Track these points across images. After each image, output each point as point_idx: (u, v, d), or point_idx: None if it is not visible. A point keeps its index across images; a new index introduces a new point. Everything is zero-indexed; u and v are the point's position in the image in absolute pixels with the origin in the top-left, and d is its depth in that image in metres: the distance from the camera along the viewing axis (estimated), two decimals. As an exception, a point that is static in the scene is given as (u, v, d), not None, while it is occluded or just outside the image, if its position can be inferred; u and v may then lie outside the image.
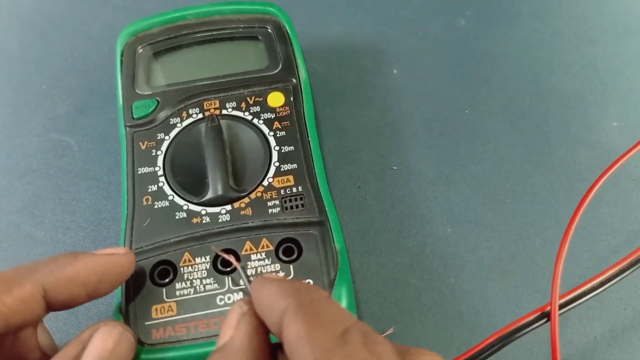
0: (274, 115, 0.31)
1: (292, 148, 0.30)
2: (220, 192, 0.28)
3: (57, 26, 0.42)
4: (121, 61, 0.33)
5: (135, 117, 0.31)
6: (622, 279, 0.26)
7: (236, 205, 0.28)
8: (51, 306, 0.22)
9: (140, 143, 0.30)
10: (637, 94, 0.38)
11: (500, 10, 0.43)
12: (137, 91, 0.32)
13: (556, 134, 0.36)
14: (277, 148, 0.30)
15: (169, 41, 0.34)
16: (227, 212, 0.28)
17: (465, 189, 0.34)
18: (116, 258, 0.23)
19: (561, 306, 0.26)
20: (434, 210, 0.33)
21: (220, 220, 0.27)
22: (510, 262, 0.31)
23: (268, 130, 0.30)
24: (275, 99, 0.31)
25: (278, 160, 0.29)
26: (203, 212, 0.28)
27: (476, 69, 0.39)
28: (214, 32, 0.34)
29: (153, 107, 0.31)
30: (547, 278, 0.31)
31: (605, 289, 0.26)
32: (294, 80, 0.32)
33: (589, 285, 0.26)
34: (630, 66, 0.40)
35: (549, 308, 0.25)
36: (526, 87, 0.38)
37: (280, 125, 0.30)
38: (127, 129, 0.30)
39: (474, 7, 0.43)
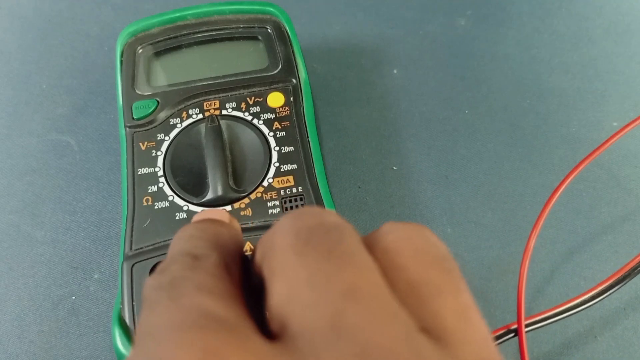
0: (274, 116, 0.31)
1: (292, 148, 0.30)
2: (220, 192, 0.28)
3: (57, 26, 0.42)
4: (121, 61, 0.33)
5: (135, 117, 0.31)
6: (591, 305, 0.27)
7: (236, 205, 0.28)
8: None
9: (140, 143, 0.30)
10: (637, 94, 0.38)
11: (500, 10, 0.43)
12: (137, 91, 0.32)
13: (556, 134, 0.36)
14: (277, 148, 0.30)
15: (169, 41, 0.34)
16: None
17: (465, 189, 0.34)
18: None
19: (526, 326, 0.26)
20: (434, 210, 0.33)
21: (220, 221, 0.27)
22: (511, 262, 0.31)
23: (268, 131, 0.30)
24: (275, 99, 0.31)
25: (278, 161, 0.29)
26: (203, 213, 0.28)
27: (476, 69, 0.39)
28: (214, 32, 0.34)
29: (153, 108, 0.31)
30: (547, 278, 0.31)
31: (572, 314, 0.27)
32: (294, 81, 0.32)
33: (555, 311, 0.27)
34: (630, 66, 0.40)
35: (515, 326, 0.26)
36: (526, 87, 0.38)
37: (280, 125, 0.30)
38: (127, 129, 0.31)
39: (474, 7, 0.43)
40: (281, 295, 0.14)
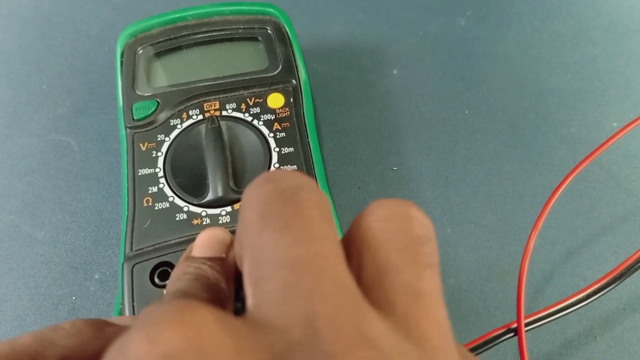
0: (274, 117, 0.31)
1: (291, 149, 0.30)
2: (220, 193, 0.28)
3: (57, 26, 0.42)
4: (121, 62, 0.33)
5: (135, 118, 0.31)
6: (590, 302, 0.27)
7: (236, 206, 0.28)
8: None
9: (141, 144, 0.30)
10: (636, 94, 0.38)
11: (500, 10, 0.43)
12: (137, 92, 0.32)
13: (556, 134, 0.36)
14: (277, 149, 0.30)
15: (169, 42, 0.34)
16: (227, 213, 0.28)
17: (465, 189, 0.34)
18: None
19: (527, 324, 0.27)
20: (434, 210, 0.33)
21: (220, 222, 0.27)
22: (510, 262, 0.31)
23: (268, 132, 0.30)
24: (275, 100, 0.31)
25: (278, 162, 0.29)
26: (203, 214, 0.28)
27: (476, 69, 0.39)
28: (214, 33, 0.34)
29: (153, 109, 0.31)
30: (546, 278, 0.31)
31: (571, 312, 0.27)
32: (294, 81, 0.32)
33: (554, 308, 0.27)
34: (629, 66, 0.40)
35: (514, 325, 0.26)
36: (526, 87, 0.38)
37: (280, 126, 0.30)
38: (128, 130, 0.31)
39: (474, 7, 0.43)
40: (245, 273, 0.14)
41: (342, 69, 0.39)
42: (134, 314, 0.25)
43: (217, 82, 0.32)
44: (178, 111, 0.31)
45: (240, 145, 0.30)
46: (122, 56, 0.33)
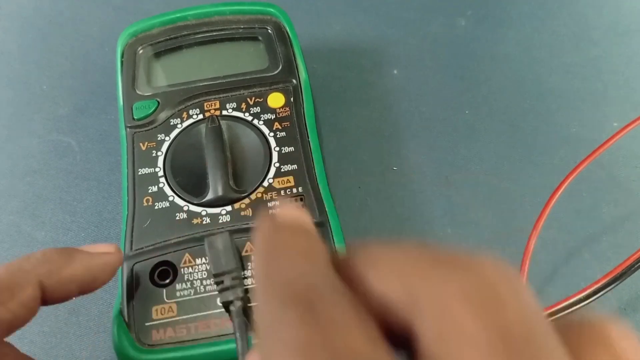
0: (274, 116, 0.31)
1: (292, 149, 0.30)
2: (220, 192, 0.28)
3: (57, 26, 0.42)
4: (121, 62, 0.33)
5: (135, 117, 0.31)
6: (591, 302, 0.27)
7: (236, 206, 0.28)
8: (45, 303, 0.22)
9: (141, 144, 0.30)
10: (636, 94, 0.38)
11: (500, 10, 0.43)
12: (138, 92, 0.32)
13: (556, 134, 0.36)
14: (277, 149, 0.30)
15: (170, 42, 0.34)
16: (227, 212, 0.28)
17: (466, 190, 0.34)
18: (110, 257, 0.24)
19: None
20: (435, 211, 0.33)
21: (220, 221, 0.27)
22: (511, 262, 0.31)
23: (268, 131, 0.30)
24: (276, 99, 0.31)
25: (278, 161, 0.29)
26: (203, 213, 0.28)
27: (476, 69, 0.39)
28: (214, 33, 0.34)
29: (153, 108, 0.31)
30: (547, 278, 0.31)
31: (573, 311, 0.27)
32: (294, 81, 0.32)
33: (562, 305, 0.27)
34: (630, 66, 0.40)
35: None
36: (526, 87, 0.38)
37: (281, 126, 0.30)
38: (128, 129, 0.31)
39: (474, 7, 0.43)
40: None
41: (342, 69, 0.39)
42: (133, 313, 0.25)
43: (217, 82, 0.32)
44: (178, 111, 0.31)
45: (240, 144, 0.30)
46: (122, 56, 0.33)
